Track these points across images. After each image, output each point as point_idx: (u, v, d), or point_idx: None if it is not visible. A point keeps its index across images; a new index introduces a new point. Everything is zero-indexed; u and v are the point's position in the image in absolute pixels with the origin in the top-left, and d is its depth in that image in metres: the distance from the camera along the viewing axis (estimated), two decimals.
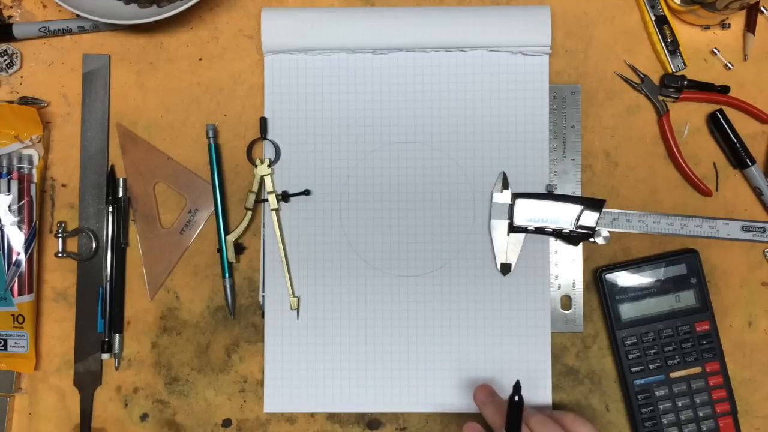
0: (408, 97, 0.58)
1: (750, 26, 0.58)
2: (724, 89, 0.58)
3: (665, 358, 0.56)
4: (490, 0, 0.60)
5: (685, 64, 0.58)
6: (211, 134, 0.58)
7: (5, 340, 0.57)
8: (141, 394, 0.59)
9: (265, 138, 0.58)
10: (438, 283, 0.58)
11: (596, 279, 0.57)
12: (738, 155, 0.57)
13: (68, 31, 0.59)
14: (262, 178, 0.58)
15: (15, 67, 0.59)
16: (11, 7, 0.60)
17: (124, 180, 0.59)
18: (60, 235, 0.58)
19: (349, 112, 0.59)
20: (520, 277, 0.58)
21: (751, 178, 0.58)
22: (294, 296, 0.58)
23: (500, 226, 0.57)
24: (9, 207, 0.57)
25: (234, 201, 0.59)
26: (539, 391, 0.57)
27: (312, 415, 0.58)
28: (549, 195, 0.57)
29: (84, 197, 0.59)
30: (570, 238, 0.57)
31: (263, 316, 0.58)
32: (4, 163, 0.58)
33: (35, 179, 0.58)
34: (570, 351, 0.58)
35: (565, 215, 0.57)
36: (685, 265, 0.56)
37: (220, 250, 0.58)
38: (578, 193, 0.58)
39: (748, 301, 0.58)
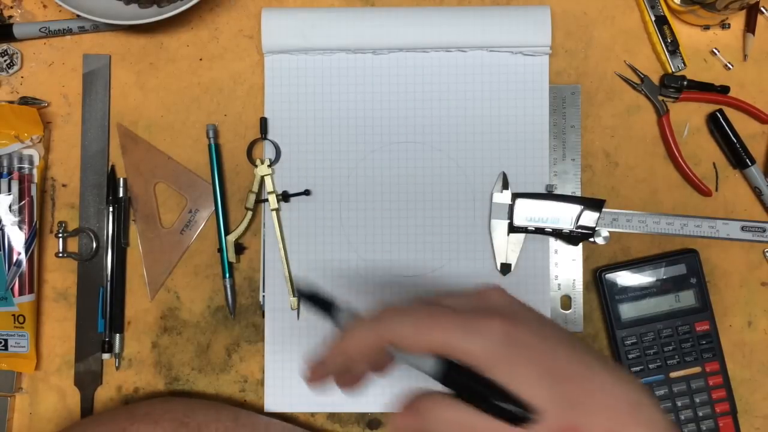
0: (408, 97, 0.59)
1: (750, 26, 0.58)
2: (724, 89, 0.58)
3: (665, 358, 0.56)
4: (490, 0, 0.60)
5: (685, 64, 0.58)
6: (211, 134, 0.58)
7: (6, 340, 0.57)
8: (142, 394, 0.59)
9: (265, 138, 0.59)
10: (438, 283, 0.58)
11: (596, 279, 0.57)
12: (738, 155, 0.57)
13: (68, 31, 0.59)
14: (262, 178, 0.58)
15: (15, 67, 0.60)
16: (11, 7, 0.60)
17: (125, 180, 0.59)
18: (60, 235, 0.58)
19: (349, 112, 0.59)
20: (520, 277, 0.58)
21: (751, 178, 0.58)
22: (294, 296, 0.58)
23: (500, 226, 0.57)
24: (9, 207, 0.57)
25: (234, 201, 0.59)
26: None
27: (312, 414, 0.58)
28: (549, 195, 0.57)
29: (84, 197, 0.59)
30: (570, 238, 0.57)
31: (263, 316, 0.58)
32: (5, 164, 0.58)
33: (36, 179, 0.58)
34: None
35: (565, 215, 0.57)
36: (685, 265, 0.56)
37: (220, 250, 0.58)
38: (578, 193, 0.58)
39: (748, 301, 0.58)
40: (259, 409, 0.58)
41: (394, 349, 0.36)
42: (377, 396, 0.57)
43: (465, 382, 0.34)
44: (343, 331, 0.38)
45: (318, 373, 0.39)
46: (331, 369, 0.39)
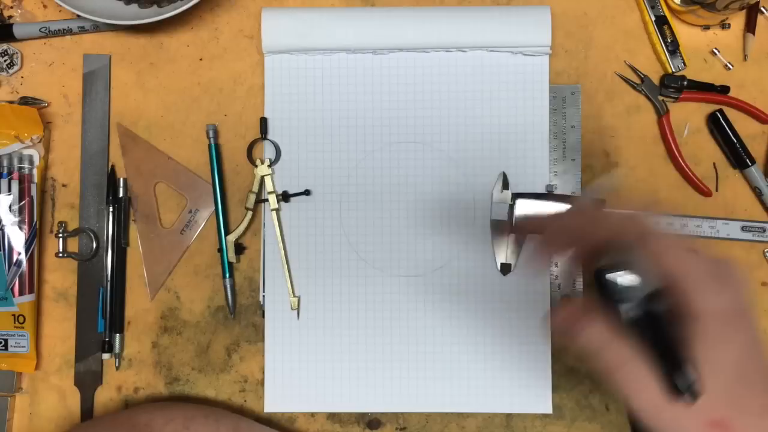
0: (408, 97, 0.59)
1: (750, 26, 0.58)
2: (724, 89, 0.58)
3: None
4: (491, 0, 0.60)
5: (685, 64, 0.58)
6: (211, 134, 0.58)
7: (6, 340, 0.57)
8: (142, 394, 0.59)
9: (265, 138, 0.59)
10: (438, 283, 0.58)
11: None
12: (738, 155, 0.57)
13: (68, 32, 0.59)
14: (262, 178, 0.58)
15: (15, 68, 0.60)
16: (11, 8, 0.60)
17: (125, 180, 0.59)
18: (60, 235, 0.58)
19: (349, 112, 0.59)
20: (520, 277, 0.58)
21: (751, 178, 0.58)
22: (294, 296, 0.58)
23: (500, 226, 0.57)
24: (10, 207, 0.57)
25: (234, 201, 0.59)
26: (539, 391, 0.57)
27: (312, 414, 0.58)
28: (549, 195, 0.57)
29: (84, 197, 0.59)
30: None
31: (263, 316, 0.58)
32: (5, 164, 0.58)
33: (36, 179, 0.58)
34: (570, 351, 0.58)
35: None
36: None
37: (220, 250, 0.58)
38: (578, 193, 0.58)
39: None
40: (259, 410, 0.58)
41: (630, 244, 0.35)
42: (377, 396, 0.57)
43: (658, 325, 0.33)
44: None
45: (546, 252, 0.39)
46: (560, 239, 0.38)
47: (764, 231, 0.57)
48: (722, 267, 0.35)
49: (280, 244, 0.58)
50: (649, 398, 0.33)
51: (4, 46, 0.59)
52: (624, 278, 0.34)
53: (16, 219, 0.57)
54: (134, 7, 0.58)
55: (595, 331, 0.35)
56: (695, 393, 0.33)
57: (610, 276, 0.35)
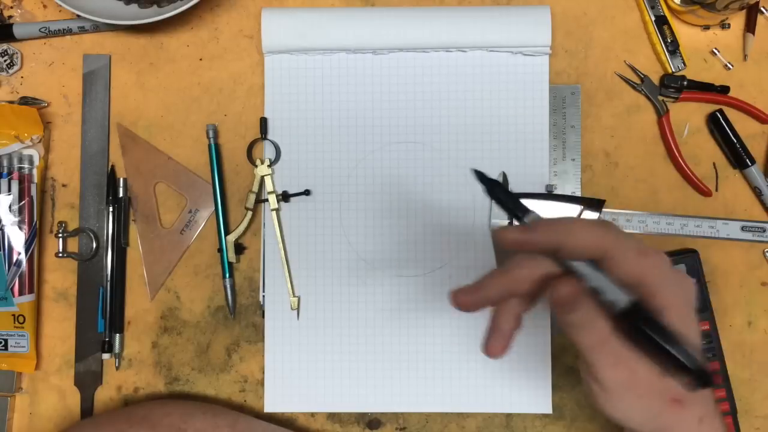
0: (408, 97, 0.59)
1: (750, 26, 0.58)
2: (724, 89, 0.58)
3: None
4: (491, 0, 0.60)
5: (685, 64, 0.58)
6: (211, 134, 0.58)
7: (6, 340, 0.57)
8: (142, 394, 0.59)
9: (265, 138, 0.59)
10: (438, 283, 0.58)
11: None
12: (738, 155, 0.57)
13: (68, 32, 0.59)
14: (262, 178, 0.58)
15: (15, 68, 0.60)
16: (11, 8, 0.60)
17: (125, 180, 0.59)
18: (60, 235, 0.58)
19: (349, 112, 0.59)
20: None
21: (750, 178, 0.58)
22: (294, 296, 0.58)
23: (500, 226, 0.57)
24: (9, 207, 0.57)
25: (234, 201, 0.59)
26: (539, 392, 0.57)
27: (312, 414, 0.58)
28: (549, 195, 0.57)
29: (84, 197, 0.59)
30: None
31: (263, 316, 0.58)
32: (5, 164, 0.58)
33: (36, 179, 0.58)
34: (570, 351, 0.58)
35: (565, 215, 0.56)
36: (685, 265, 0.56)
37: (220, 250, 0.58)
38: (578, 193, 0.58)
39: (747, 301, 0.58)
40: (259, 410, 0.58)
41: (589, 263, 0.36)
42: (377, 396, 0.57)
43: (650, 320, 0.35)
44: (532, 224, 0.38)
45: (474, 295, 0.40)
46: (491, 292, 0.40)
47: (764, 231, 0.57)
48: (668, 261, 0.37)
49: (280, 244, 0.58)
50: (621, 375, 0.36)
51: (4, 46, 0.59)
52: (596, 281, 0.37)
53: (16, 219, 0.57)
54: (134, 7, 0.58)
55: (585, 309, 0.37)
56: (709, 380, 0.35)
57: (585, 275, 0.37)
